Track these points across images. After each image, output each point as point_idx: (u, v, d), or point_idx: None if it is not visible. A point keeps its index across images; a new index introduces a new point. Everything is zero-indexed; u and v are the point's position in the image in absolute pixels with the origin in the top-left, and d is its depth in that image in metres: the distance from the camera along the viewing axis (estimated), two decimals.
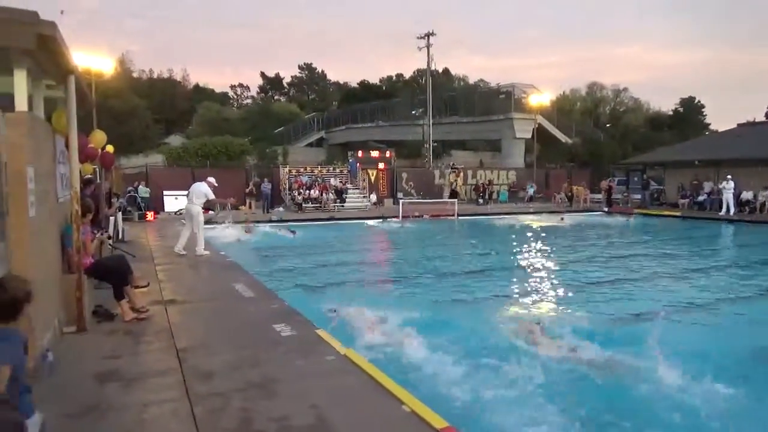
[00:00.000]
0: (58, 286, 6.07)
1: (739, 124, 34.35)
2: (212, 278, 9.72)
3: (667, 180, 31.69)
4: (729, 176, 24.74)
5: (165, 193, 25.14)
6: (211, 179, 13.12)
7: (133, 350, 5.70)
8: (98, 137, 8.78)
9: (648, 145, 40.44)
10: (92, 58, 18.76)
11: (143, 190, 24.35)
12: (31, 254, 4.64)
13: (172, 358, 5.36)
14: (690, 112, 57.50)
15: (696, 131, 50.21)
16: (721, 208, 24.88)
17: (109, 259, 7.59)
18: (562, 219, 24.41)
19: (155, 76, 63.79)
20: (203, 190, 12.66)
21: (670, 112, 59.84)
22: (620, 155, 39.32)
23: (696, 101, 58.69)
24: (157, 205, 24.55)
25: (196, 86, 70.14)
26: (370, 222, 23.87)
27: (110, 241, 10.74)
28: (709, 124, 58.29)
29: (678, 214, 25.94)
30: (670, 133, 48.99)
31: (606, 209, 29.37)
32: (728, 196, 24.53)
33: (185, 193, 23.37)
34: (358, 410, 4.13)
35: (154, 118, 45.43)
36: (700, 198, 27.23)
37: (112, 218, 12.52)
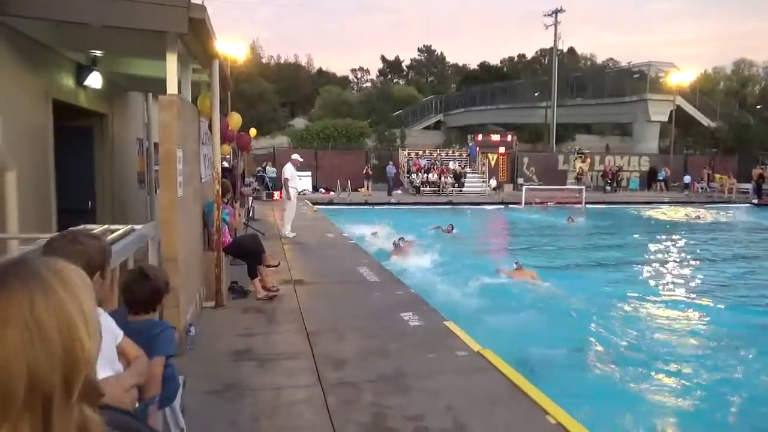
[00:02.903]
0: (200, 262, 6.35)
1: None
2: (337, 260, 9.82)
3: None
4: None
5: None
6: (295, 156, 12.42)
7: (266, 329, 5.82)
8: (235, 119, 9.12)
9: None
10: (228, 44, 19.75)
11: (271, 171, 25.50)
12: (178, 232, 4.81)
13: (303, 341, 5.39)
14: None
15: None
16: None
17: (245, 238, 7.87)
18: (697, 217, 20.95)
19: (282, 61, 66.77)
20: (288, 172, 12.06)
21: None
22: None
23: None
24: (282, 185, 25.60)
25: (319, 70, 72.49)
26: (489, 207, 23.26)
27: (244, 220, 11.23)
28: None
29: None
30: None
31: (755, 201, 26.27)
32: None
33: (309, 173, 24.10)
34: (497, 417, 3.83)
35: (281, 101, 47.54)
36: None
37: (247, 198, 13.10)
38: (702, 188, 29.52)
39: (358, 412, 3.88)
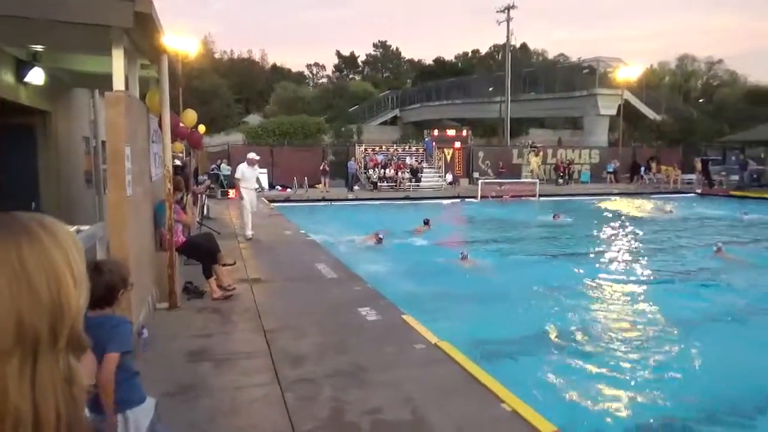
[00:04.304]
0: (151, 263, 6.20)
1: None
2: (295, 257, 9.75)
3: None
4: None
5: None
6: (251, 155, 11.72)
7: (223, 329, 5.75)
8: (189, 116, 8.94)
9: (745, 122, 37.25)
10: (178, 39, 19.29)
11: (225, 168, 25.08)
12: (128, 232, 4.69)
13: (260, 339, 5.35)
14: None
15: None
16: None
17: (199, 237, 7.73)
18: (670, 211, 20.29)
19: (235, 56, 65.62)
20: (239, 171, 11.61)
21: None
22: (714, 133, 36.53)
23: None
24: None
25: (274, 66, 71.56)
26: (446, 202, 23.53)
27: (198, 219, 11.02)
28: None
29: None
30: None
31: (699, 191, 27.40)
32: None
33: (265, 171, 23.78)
34: (454, 407, 3.90)
35: (235, 97, 46.74)
36: None
37: (200, 196, 12.82)
38: (649, 179, 30.58)
39: (317, 407, 3.89)
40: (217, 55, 58.36)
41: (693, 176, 29.49)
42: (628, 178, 31.46)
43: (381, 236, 12.25)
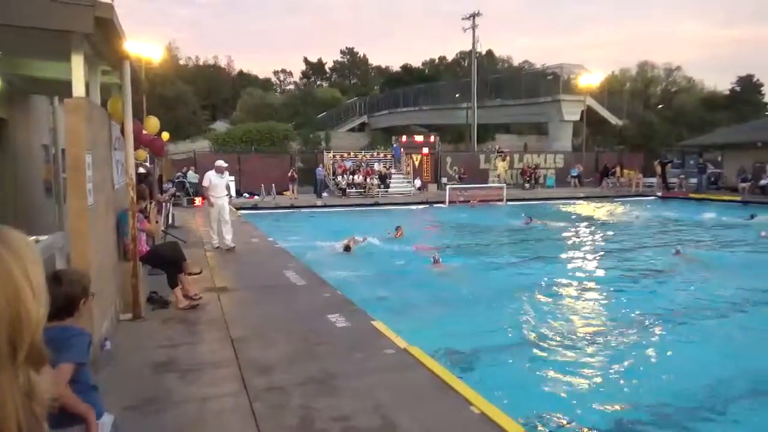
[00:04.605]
0: (114, 273, 6.06)
1: None
2: (263, 265, 9.66)
3: (725, 163, 30.14)
4: None
5: None
6: (219, 162, 11.23)
7: (189, 339, 5.64)
8: (152, 123, 8.77)
9: (703, 127, 38.53)
10: (142, 45, 18.93)
11: (192, 176, 24.71)
12: (90, 242, 4.58)
13: (227, 349, 5.27)
14: (748, 92, 54.47)
15: (755, 112, 47.57)
16: None
17: (163, 247, 7.58)
18: (637, 217, 20.32)
19: (201, 63, 64.83)
20: (206, 179, 11.15)
21: (727, 92, 56.91)
22: (674, 137, 37.64)
23: (755, 79, 55.61)
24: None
25: (240, 72, 70.97)
26: (415, 207, 23.64)
27: (163, 228, 10.81)
28: None
29: (738, 198, 24.65)
30: (727, 113, 46.53)
31: (659, 194, 28.17)
32: None
33: (232, 178, 23.51)
34: (425, 411, 3.91)
35: (201, 104, 46.15)
36: (763, 182, 25.78)
37: (164, 204, 12.58)
38: (612, 183, 31.31)
39: (286, 416, 3.85)
40: (182, 62, 57.58)
41: (654, 180, 30.34)
42: (597, 181, 32.09)
43: (357, 241, 12.21)
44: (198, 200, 22.68)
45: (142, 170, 11.86)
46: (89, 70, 5.20)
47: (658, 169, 30.01)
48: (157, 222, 7.88)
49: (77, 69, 4.44)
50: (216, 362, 4.94)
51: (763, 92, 56.31)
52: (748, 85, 55.03)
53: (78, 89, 4.49)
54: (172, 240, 9.64)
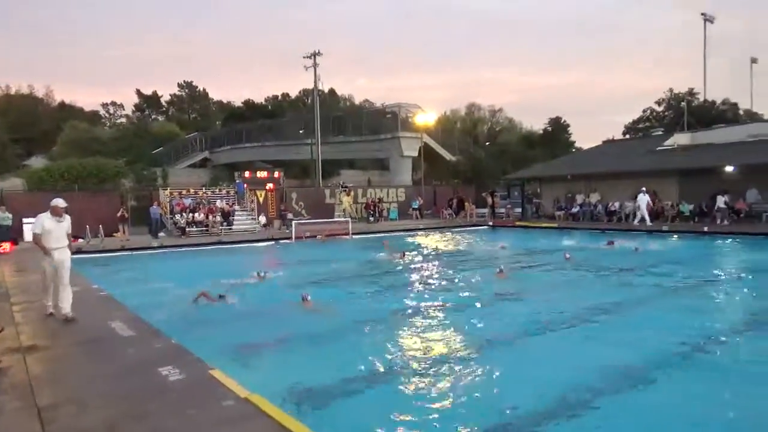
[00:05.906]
0: None
1: (603, 141, 37.92)
2: (82, 317, 8.50)
3: (543, 194, 33.72)
4: (643, 188, 24.87)
5: (24, 221, 22.39)
6: (57, 201, 9.01)
7: None
8: None
9: (523, 162, 42.95)
10: None
11: (3, 217, 21.61)
12: None
13: (32, 421, 4.46)
14: (558, 131, 62.01)
15: (563, 149, 54.15)
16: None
17: None
18: (503, 247, 20.35)
19: (12, 92, 58.09)
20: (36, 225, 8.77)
21: (541, 131, 64.27)
22: (500, 171, 41.40)
23: (562, 121, 63.48)
24: (16, 235, 21.88)
25: (62, 104, 64.80)
26: (260, 244, 22.97)
27: None
28: (574, 142, 63.19)
29: (555, 225, 27.55)
30: (542, 150, 52.45)
31: (490, 223, 30.56)
32: (642, 207, 24.45)
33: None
34: None
35: (12, 137, 41.07)
36: (574, 210, 29.20)
37: None
38: (450, 214, 33.41)
39: None
40: None
41: (485, 210, 32.97)
42: (453, 213, 33.80)
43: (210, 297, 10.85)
44: (6, 246, 19.86)
45: None
46: None
47: (489, 200, 32.71)
48: None
49: None
50: None
51: (570, 131, 64.40)
52: (557, 125, 62.59)
53: None
54: None
